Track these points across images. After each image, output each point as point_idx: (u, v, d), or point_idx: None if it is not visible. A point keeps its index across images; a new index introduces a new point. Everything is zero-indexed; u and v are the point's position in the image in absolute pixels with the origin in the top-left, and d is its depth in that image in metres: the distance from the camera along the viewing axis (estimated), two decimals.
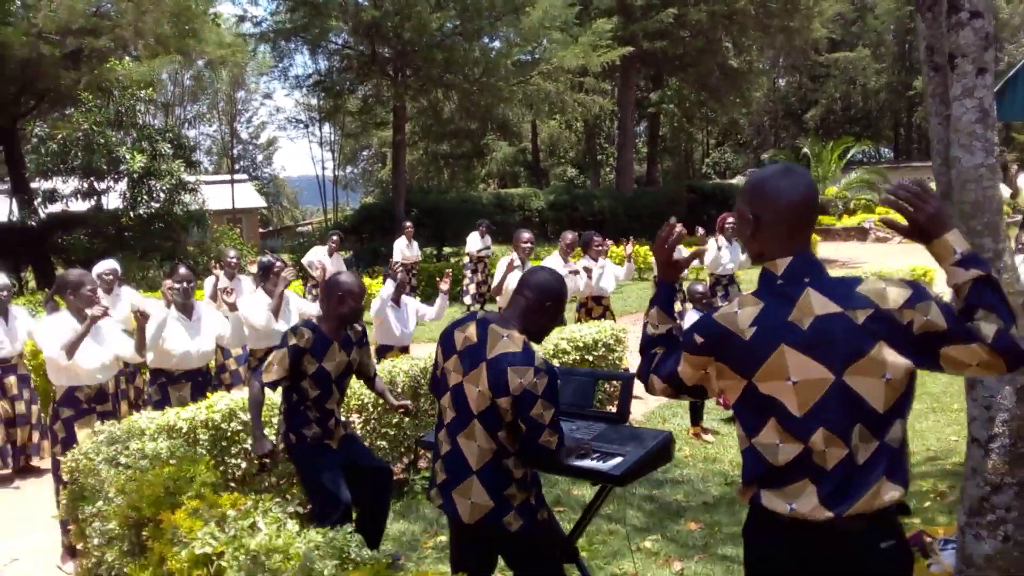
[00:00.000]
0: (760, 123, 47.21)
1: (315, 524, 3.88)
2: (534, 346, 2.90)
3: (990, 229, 2.82)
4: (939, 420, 6.59)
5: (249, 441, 4.67)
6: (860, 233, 26.77)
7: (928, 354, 1.90)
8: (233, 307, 5.54)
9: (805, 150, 34.01)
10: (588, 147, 39.89)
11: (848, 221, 28.71)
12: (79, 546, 4.62)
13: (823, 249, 22.99)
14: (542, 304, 2.88)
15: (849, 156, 34.36)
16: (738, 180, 37.45)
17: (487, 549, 2.98)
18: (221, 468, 4.57)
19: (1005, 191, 13.61)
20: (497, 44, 21.22)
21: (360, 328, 4.23)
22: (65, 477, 4.19)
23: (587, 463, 3.13)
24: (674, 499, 5.24)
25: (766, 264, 2.06)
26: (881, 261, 16.66)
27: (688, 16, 24.43)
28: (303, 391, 3.96)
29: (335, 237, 12.37)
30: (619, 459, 3.11)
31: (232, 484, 4.70)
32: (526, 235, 7.51)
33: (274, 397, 4.54)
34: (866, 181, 30.96)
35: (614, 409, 3.60)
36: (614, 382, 6.57)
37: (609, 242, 8.44)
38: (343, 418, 4.36)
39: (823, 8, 27.55)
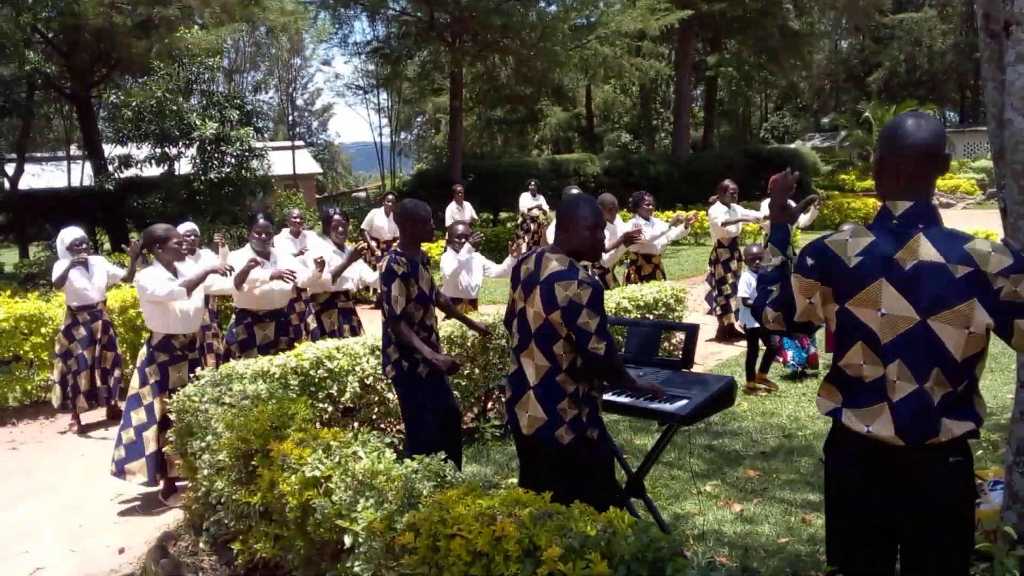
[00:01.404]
0: (820, 86, 46.20)
1: (406, 451, 4.29)
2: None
3: None
4: (996, 379, 6.72)
5: (335, 387, 5.05)
6: None
7: (1004, 321, 2.05)
8: (321, 266, 6.11)
9: (867, 114, 33.41)
10: (643, 112, 39.59)
11: None
12: (176, 480, 5.07)
13: None
14: (569, 223, 3.14)
15: None
16: (796, 144, 36.89)
17: (543, 463, 3.22)
18: None
19: None
20: (554, 8, 21.23)
21: (424, 252, 4.65)
22: (172, 417, 4.59)
23: (656, 404, 3.39)
24: (733, 449, 5.48)
25: (887, 202, 2.23)
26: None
27: None
28: (409, 316, 4.34)
29: (390, 197, 12.94)
30: (685, 401, 3.37)
31: (320, 427, 5.07)
32: (575, 191, 7.74)
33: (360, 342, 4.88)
34: None
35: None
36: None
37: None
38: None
39: None
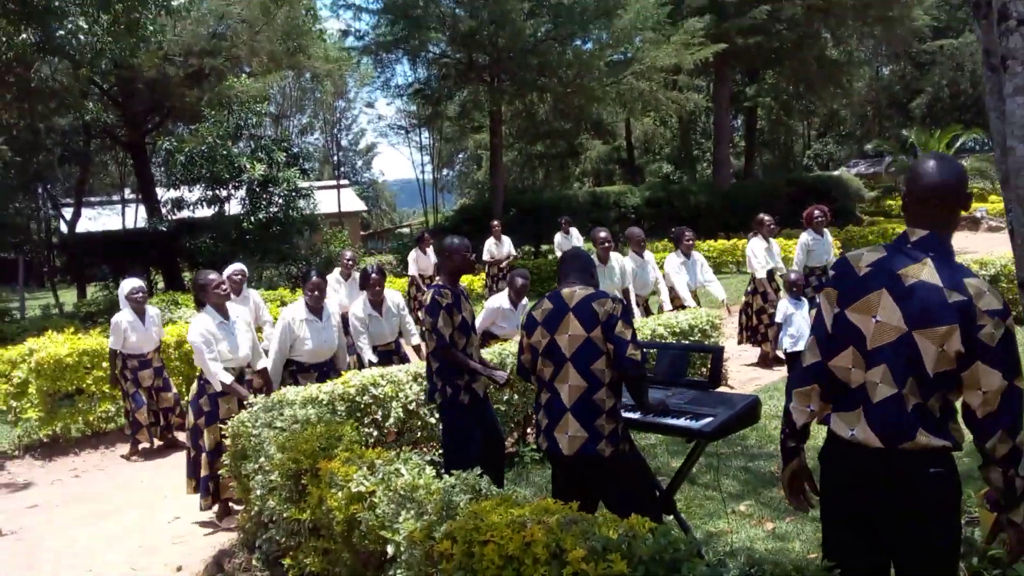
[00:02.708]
0: (863, 113, 45.91)
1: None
2: None
3: None
4: None
5: (380, 412, 5.29)
6: (971, 223, 25.82)
7: (969, 357, 2.23)
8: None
9: (911, 139, 33.13)
10: (683, 143, 39.75)
11: None
12: (231, 502, 5.33)
13: None
14: (585, 268, 3.69)
15: (958, 144, 33.24)
16: (841, 172, 36.67)
17: (584, 481, 3.45)
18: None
19: None
20: (590, 46, 21.62)
21: (463, 285, 4.92)
22: (227, 442, 4.86)
23: (682, 422, 3.56)
24: (768, 470, 5.57)
25: (907, 227, 2.44)
26: (991, 252, 16.24)
27: (782, 11, 24.20)
28: (452, 343, 4.58)
29: (426, 235, 13.27)
30: (710, 418, 3.53)
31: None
32: (603, 234, 7.87)
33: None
34: (977, 169, 29.85)
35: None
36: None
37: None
38: None
39: None
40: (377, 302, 6.62)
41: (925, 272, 2.31)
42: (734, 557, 4.11)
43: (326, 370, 6.15)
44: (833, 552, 2.51)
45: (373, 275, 6.61)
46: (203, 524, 5.56)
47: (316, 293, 6.11)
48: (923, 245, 2.37)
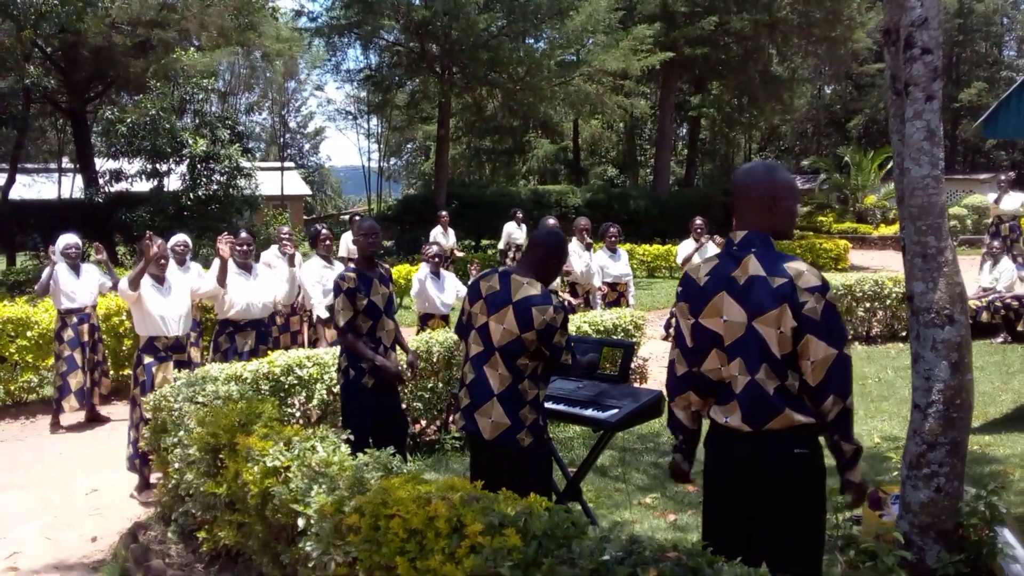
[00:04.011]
0: (803, 130, 47.08)
1: None
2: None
3: (933, 230, 3.38)
4: None
5: (304, 393, 5.38)
6: (896, 243, 26.75)
7: (799, 334, 2.49)
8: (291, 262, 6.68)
9: (846, 158, 34.13)
10: (628, 148, 40.25)
11: (885, 230, 28.72)
12: (157, 476, 5.37)
13: (857, 257, 23.13)
14: (549, 257, 3.56)
15: (890, 166, 34.30)
16: None
17: (500, 465, 3.55)
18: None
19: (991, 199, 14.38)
20: (541, 45, 21.81)
21: (386, 267, 5.00)
22: (148, 415, 4.91)
23: (589, 412, 3.76)
24: None
25: (730, 233, 2.71)
26: None
27: (730, 24, 24.76)
28: (357, 327, 4.65)
29: (356, 218, 13.42)
30: (616, 410, 3.74)
31: None
32: (583, 221, 8.19)
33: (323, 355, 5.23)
34: None
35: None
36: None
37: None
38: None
39: (866, 19, 27.68)
40: (328, 258, 6.96)
41: (751, 267, 2.57)
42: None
43: (263, 331, 6.26)
44: (710, 534, 2.72)
45: (324, 231, 6.96)
46: (121, 498, 5.58)
47: (244, 248, 6.24)
48: (745, 243, 2.63)
